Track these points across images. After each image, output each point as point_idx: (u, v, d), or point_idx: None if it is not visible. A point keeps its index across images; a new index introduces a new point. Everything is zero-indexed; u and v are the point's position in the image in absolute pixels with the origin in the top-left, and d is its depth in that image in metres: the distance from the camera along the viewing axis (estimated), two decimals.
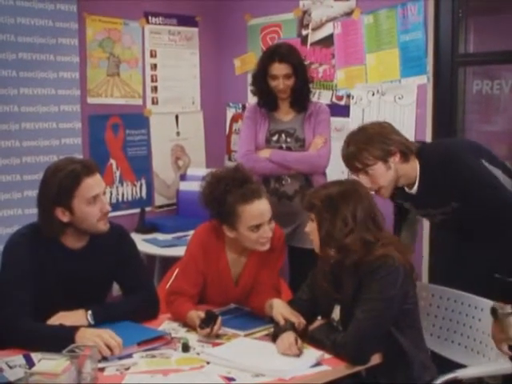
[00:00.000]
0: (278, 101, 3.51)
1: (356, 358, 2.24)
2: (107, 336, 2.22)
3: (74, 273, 2.50)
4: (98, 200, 2.46)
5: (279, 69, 3.39)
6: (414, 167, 2.64)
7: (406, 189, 2.71)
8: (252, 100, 3.81)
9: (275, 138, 3.48)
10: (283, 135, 3.48)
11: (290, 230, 3.37)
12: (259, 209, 2.60)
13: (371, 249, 2.31)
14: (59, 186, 2.41)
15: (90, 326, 2.37)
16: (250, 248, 2.68)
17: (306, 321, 2.43)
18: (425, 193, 2.66)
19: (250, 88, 3.64)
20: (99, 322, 2.40)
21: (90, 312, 2.42)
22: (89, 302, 2.47)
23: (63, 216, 2.44)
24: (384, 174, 2.58)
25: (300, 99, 3.49)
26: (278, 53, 3.42)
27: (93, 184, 2.44)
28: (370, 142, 2.56)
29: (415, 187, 2.66)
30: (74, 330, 2.26)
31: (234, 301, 2.80)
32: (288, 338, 2.28)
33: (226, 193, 2.61)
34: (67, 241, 2.51)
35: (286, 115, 3.53)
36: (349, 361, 2.23)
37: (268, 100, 3.51)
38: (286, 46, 3.52)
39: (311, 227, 2.42)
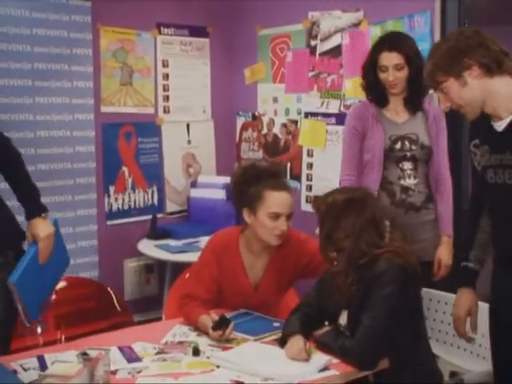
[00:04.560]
0: (389, 97, 3.12)
1: (364, 363, 2.26)
2: None
3: None
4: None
5: (389, 58, 2.99)
6: (504, 87, 2.15)
7: (493, 122, 2.21)
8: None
9: (398, 145, 3.07)
10: (406, 142, 3.07)
11: (423, 245, 3.07)
12: (284, 198, 2.66)
13: (374, 254, 2.34)
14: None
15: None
16: (265, 240, 2.69)
17: (314, 325, 2.45)
18: None
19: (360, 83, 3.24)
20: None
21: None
22: None
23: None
24: (458, 91, 2.16)
25: (416, 96, 3.09)
26: (387, 40, 3.07)
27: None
28: (441, 56, 2.18)
29: (508, 119, 2.16)
30: None
31: (254, 307, 2.78)
32: (297, 342, 2.31)
33: (257, 178, 2.68)
34: None
35: (399, 116, 3.13)
36: (357, 366, 2.25)
37: (377, 96, 3.13)
38: (398, 33, 3.27)
39: None
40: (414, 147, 3.07)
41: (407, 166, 3.07)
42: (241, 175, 2.74)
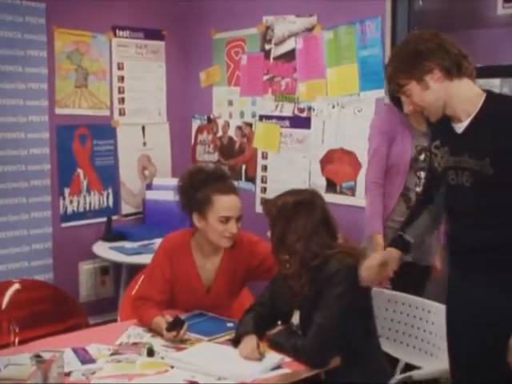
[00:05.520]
0: None
1: (316, 361, 2.31)
2: None
3: None
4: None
5: None
6: (463, 90, 2.17)
7: (454, 124, 2.21)
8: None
9: (422, 156, 3.17)
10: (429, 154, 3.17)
11: (425, 249, 3.17)
12: (233, 202, 2.69)
13: (325, 255, 2.39)
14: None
15: None
16: (215, 243, 2.72)
17: (267, 324, 2.49)
18: (474, 132, 2.15)
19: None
20: None
21: None
22: None
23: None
24: (420, 94, 2.18)
25: None
26: None
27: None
28: (402, 60, 2.19)
29: (466, 122, 2.17)
30: None
31: (207, 308, 2.81)
32: (250, 342, 2.35)
33: (204, 182, 2.70)
34: None
35: (421, 123, 3.22)
36: (309, 364, 2.29)
37: (401, 103, 3.25)
38: None
39: None
40: None
41: (424, 175, 3.14)
42: (188, 180, 2.76)
